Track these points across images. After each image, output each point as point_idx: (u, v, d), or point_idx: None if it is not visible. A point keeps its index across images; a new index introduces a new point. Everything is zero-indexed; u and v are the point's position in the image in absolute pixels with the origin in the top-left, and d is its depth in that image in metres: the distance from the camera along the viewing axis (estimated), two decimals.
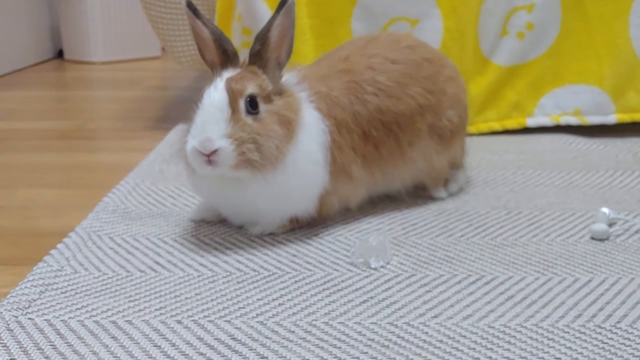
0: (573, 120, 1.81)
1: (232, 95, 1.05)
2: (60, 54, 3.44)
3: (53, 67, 3.24)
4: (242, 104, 1.06)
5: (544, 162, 1.56)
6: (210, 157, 1.03)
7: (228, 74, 1.09)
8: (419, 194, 1.33)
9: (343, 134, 1.15)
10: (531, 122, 1.83)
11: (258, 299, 0.94)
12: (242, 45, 1.76)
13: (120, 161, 1.64)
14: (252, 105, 1.06)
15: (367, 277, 1.01)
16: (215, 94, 1.05)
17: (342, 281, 0.99)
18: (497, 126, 1.83)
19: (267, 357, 0.79)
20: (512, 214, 1.25)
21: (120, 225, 1.20)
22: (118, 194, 1.35)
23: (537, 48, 1.82)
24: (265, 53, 1.09)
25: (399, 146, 1.22)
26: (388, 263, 1.05)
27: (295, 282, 0.99)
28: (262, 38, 1.09)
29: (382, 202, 1.30)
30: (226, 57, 1.11)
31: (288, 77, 1.16)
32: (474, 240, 1.14)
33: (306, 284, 0.99)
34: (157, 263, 1.06)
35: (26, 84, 2.79)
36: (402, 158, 1.23)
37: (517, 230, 1.17)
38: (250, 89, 1.06)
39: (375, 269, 1.03)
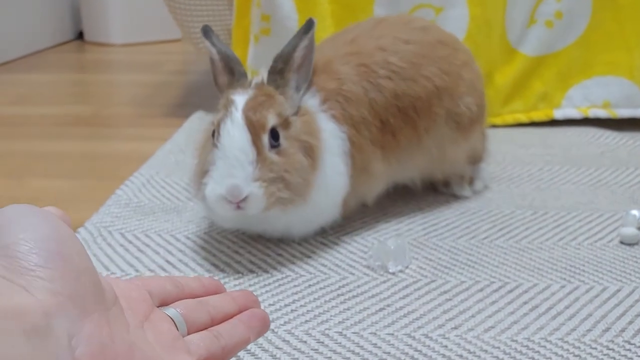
0: (602, 113, 1.75)
1: (254, 132, 0.96)
2: (80, 36, 3.41)
3: (73, 48, 3.22)
4: (265, 140, 0.97)
5: (571, 158, 1.50)
6: (239, 204, 0.96)
7: (240, 97, 1.00)
8: (441, 191, 1.28)
9: (361, 132, 1.09)
10: (558, 114, 1.77)
11: (270, 304, 0.90)
12: (260, 32, 1.71)
13: (135, 150, 1.61)
14: (274, 137, 0.98)
15: (384, 282, 0.96)
16: (236, 132, 0.96)
17: (358, 286, 0.95)
18: (523, 117, 1.78)
19: None
20: (538, 215, 1.20)
21: (132, 220, 1.17)
22: (131, 186, 1.31)
23: (566, 38, 1.75)
24: (287, 73, 1.02)
25: (416, 132, 1.16)
26: (407, 267, 1.00)
27: (309, 286, 0.95)
28: (286, 57, 1.02)
29: (401, 200, 1.25)
30: (232, 76, 1.04)
31: None
32: (498, 243, 1.09)
33: (320, 288, 0.95)
34: (168, 262, 1.02)
35: (44, 66, 2.77)
36: (418, 145, 1.17)
37: (543, 233, 1.13)
38: (272, 120, 0.98)
39: (393, 273, 0.99)
